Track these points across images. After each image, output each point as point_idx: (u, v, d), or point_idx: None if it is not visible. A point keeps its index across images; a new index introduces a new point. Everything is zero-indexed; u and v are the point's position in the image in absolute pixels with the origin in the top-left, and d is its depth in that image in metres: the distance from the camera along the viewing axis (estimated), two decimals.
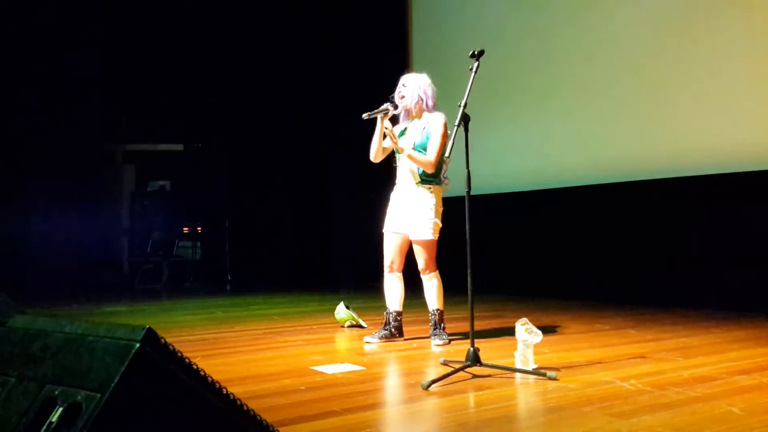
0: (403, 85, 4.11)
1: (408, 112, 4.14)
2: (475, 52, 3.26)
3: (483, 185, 5.65)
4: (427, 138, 3.97)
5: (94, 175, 9.61)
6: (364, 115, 4.04)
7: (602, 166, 6.39)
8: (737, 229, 5.34)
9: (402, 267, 4.15)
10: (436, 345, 3.91)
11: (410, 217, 4.00)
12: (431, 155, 3.93)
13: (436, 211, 3.99)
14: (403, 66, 8.41)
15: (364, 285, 8.03)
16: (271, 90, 9.59)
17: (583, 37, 6.56)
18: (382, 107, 4.05)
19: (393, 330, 4.12)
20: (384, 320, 4.17)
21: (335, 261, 9.51)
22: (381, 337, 4.09)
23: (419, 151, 3.97)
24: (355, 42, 9.11)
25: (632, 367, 3.16)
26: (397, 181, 4.15)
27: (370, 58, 8.80)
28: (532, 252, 6.92)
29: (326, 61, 9.40)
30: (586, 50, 6.53)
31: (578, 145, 6.60)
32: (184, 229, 9.62)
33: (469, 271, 3.13)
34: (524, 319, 3.18)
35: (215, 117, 9.69)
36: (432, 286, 4.05)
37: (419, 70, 4.27)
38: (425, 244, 3.99)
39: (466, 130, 3.34)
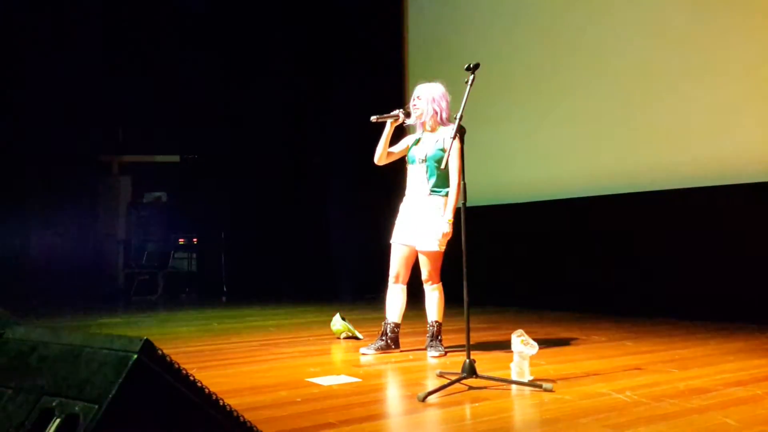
0: (418, 97, 4.09)
1: (422, 124, 4.14)
2: (471, 65, 3.27)
3: (480, 197, 5.66)
4: (439, 150, 3.98)
5: (90, 186, 9.61)
6: (373, 118, 4.03)
7: (598, 178, 6.41)
8: (733, 241, 5.36)
9: (407, 279, 4.14)
10: (432, 357, 3.91)
11: (419, 228, 4.01)
12: (455, 179, 3.90)
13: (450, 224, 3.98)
14: (399, 73, 8.46)
15: (361, 296, 8.03)
16: (267, 100, 9.61)
17: (577, 50, 6.60)
18: (393, 113, 4.05)
19: (389, 341, 4.11)
20: (381, 330, 4.17)
21: (332, 272, 9.50)
22: (377, 349, 4.08)
23: (430, 164, 3.97)
24: (350, 51, 9.14)
25: (628, 379, 3.16)
26: (407, 192, 4.14)
27: (366, 66, 8.83)
28: (529, 263, 6.93)
29: (322, 71, 9.43)
30: (579, 63, 6.56)
31: (572, 157, 6.63)
32: (180, 240, 9.61)
33: (464, 282, 3.13)
34: (520, 331, 3.19)
35: (211, 128, 9.70)
36: (434, 297, 4.05)
37: (419, 80, 4.26)
38: (431, 255, 3.99)
39: (462, 142, 3.36)
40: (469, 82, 3.24)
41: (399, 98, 8.14)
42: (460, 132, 3.28)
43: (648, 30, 6.03)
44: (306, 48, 9.48)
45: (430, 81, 4.17)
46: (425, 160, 4.02)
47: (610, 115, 6.31)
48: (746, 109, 5.36)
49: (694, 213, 5.64)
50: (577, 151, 6.60)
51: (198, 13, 9.43)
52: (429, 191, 4.02)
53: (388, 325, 4.13)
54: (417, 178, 4.08)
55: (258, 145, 9.68)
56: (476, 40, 7.55)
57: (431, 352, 3.96)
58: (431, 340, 4.03)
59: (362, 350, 4.11)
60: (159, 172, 10.05)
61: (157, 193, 9.79)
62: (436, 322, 4.05)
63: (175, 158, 10.06)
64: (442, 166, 3.90)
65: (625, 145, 6.18)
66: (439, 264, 4.02)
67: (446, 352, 3.97)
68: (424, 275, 4.04)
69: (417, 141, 4.16)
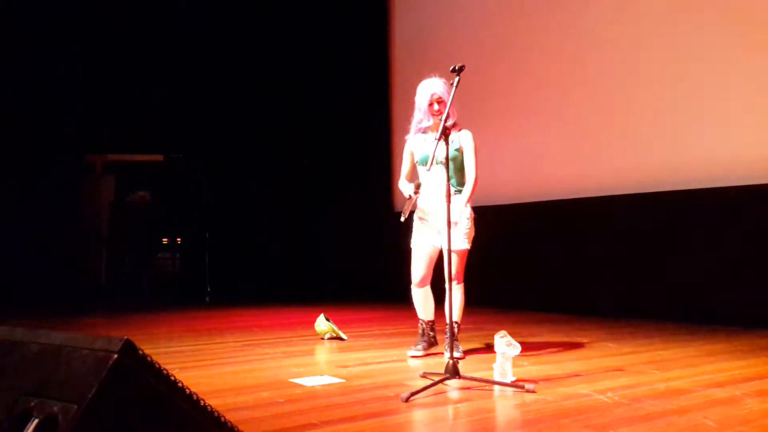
0: (438, 100, 3.89)
1: (437, 125, 3.84)
2: (456, 67, 3.27)
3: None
4: (454, 150, 3.87)
5: (73, 185, 9.54)
6: (403, 219, 3.85)
7: (582, 179, 6.45)
8: (713, 244, 5.41)
9: (430, 280, 4.08)
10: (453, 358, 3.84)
11: (446, 227, 3.94)
12: (472, 174, 3.93)
13: (472, 221, 3.96)
14: (384, 74, 8.44)
15: (344, 297, 8.02)
16: (253, 100, 9.58)
17: (563, 51, 6.63)
18: (410, 197, 3.83)
19: (432, 339, 4.11)
20: (420, 331, 4.12)
21: (317, 273, 9.49)
22: (424, 348, 4.06)
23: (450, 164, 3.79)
24: (336, 51, 9.14)
25: (609, 380, 3.19)
26: (423, 192, 3.90)
27: (351, 67, 8.83)
28: (512, 264, 6.95)
29: (308, 72, 9.42)
30: (565, 64, 6.60)
31: (557, 159, 6.65)
32: (164, 240, 9.56)
33: (448, 284, 3.14)
34: (503, 332, 3.20)
35: (196, 127, 9.67)
36: (457, 297, 3.97)
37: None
38: (461, 253, 3.93)
39: (447, 143, 3.37)
40: (455, 84, 3.25)
41: (384, 98, 8.14)
42: (445, 133, 3.29)
43: (635, 31, 6.07)
44: (292, 49, 9.47)
45: (420, 79, 4.05)
46: (442, 162, 3.95)
47: (594, 116, 6.34)
48: (733, 111, 5.41)
49: (677, 215, 5.67)
50: (562, 153, 6.62)
51: (185, 15, 9.39)
52: (454, 191, 3.89)
53: (428, 325, 4.10)
54: (436, 179, 3.87)
55: (243, 145, 9.66)
56: (461, 42, 7.56)
57: (454, 353, 3.87)
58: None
59: (410, 353, 4.02)
60: (143, 172, 9.99)
61: (141, 193, 9.74)
62: (456, 323, 3.99)
63: (159, 158, 10.01)
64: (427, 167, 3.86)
65: (609, 147, 6.22)
66: (465, 262, 3.97)
67: (464, 355, 3.92)
68: (453, 274, 3.87)
69: (425, 141, 4.03)
